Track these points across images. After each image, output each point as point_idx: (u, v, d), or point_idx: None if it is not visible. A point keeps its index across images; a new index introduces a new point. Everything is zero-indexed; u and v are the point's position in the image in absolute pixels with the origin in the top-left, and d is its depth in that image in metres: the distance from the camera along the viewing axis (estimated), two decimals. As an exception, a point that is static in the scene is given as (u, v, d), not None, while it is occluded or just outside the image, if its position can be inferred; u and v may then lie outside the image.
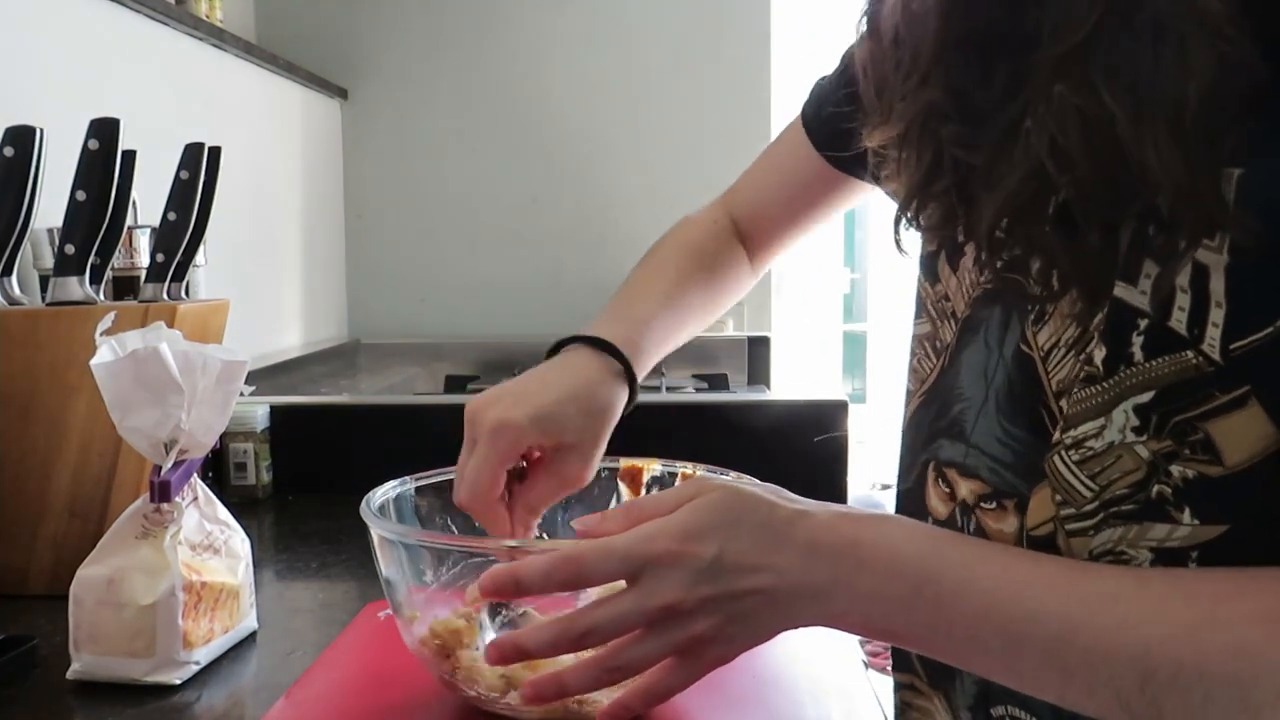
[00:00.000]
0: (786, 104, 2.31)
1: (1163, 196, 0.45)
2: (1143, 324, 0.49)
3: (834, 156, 0.80)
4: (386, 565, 0.65)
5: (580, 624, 0.54)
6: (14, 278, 0.93)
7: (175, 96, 1.65)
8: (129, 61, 1.54)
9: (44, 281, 1.08)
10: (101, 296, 0.96)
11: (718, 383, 2.03)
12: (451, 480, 0.72)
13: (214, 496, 0.76)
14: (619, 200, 2.40)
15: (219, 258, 1.57)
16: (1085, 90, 0.46)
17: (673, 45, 2.39)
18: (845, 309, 3.47)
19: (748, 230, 0.89)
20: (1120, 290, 0.50)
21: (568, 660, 0.59)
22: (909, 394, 0.66)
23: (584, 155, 2.42)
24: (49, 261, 1.12)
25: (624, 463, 0.78)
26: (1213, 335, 0.47)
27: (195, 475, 0.74)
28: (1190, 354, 0.48)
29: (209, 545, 0.74)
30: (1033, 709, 0.56)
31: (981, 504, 0.58)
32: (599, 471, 0.76)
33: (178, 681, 0.69)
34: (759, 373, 2.19)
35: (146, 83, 1.58)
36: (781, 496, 0.56)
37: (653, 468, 0.78)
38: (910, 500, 0.65)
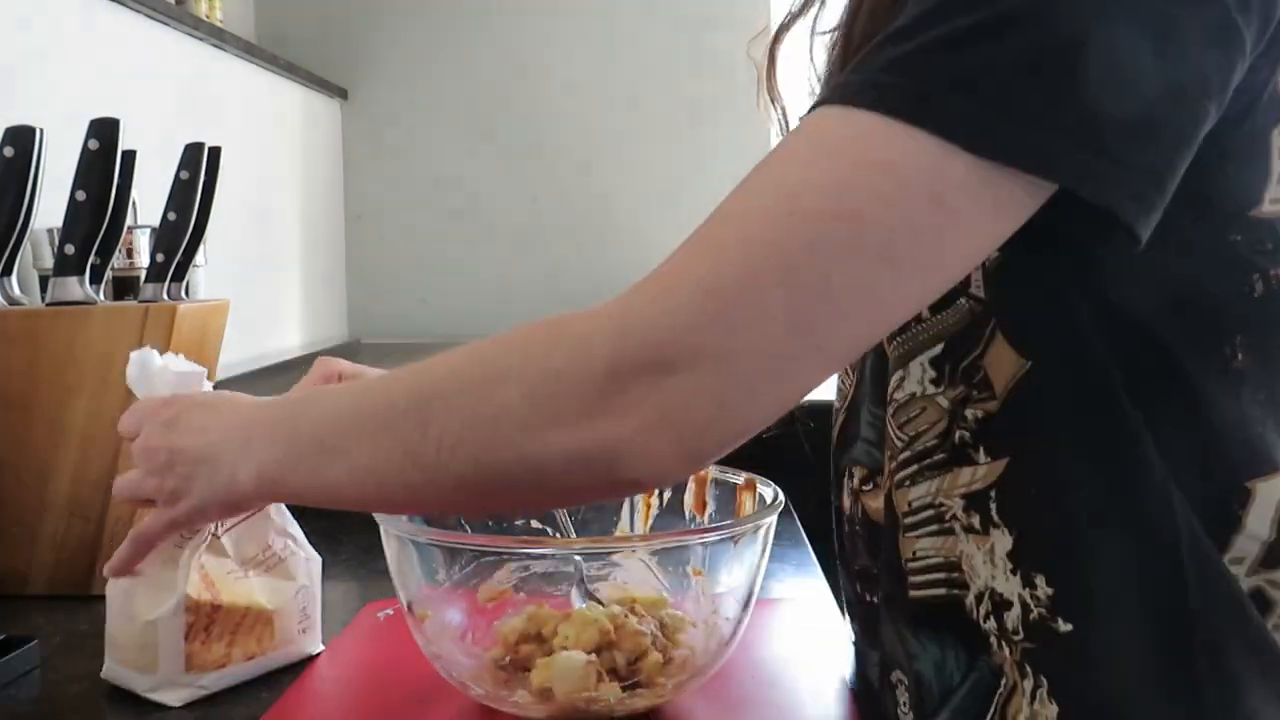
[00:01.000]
0: (786, 104, 2.31)
1: None
2: None
3: None
4: (399, 564, 0.65)
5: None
6: (14, 278, 0.93)
7: (175, 96, 1.65)
8: (129, 61, 1.54)
9: (44, 281, 1.08)
10: (101, 296, 0.96)
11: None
12: None
13: (287, 512, 0.73)
14: (619, 200, 2.40)
15: (219, 258, 1.57)
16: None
17: (672, 45, 2.39)
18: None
19: None
20: None
21: (573, 644, 0.62)
22: (835, 413, 0.69)
23: (584, 155, 2.42)
24: (49, 261, 1.12)
25: None
26: (977, 276, 0.52)
27: None
28: (963, 300, 0.53)
29: (262, 561, 0.70)
30: (905, 670, 0.60)
31: (863, 488, 0.63)
32: None
33: (177, 704, 0.66)
34: (759, 373, 2.19)
35: (146, 83, 1.58)
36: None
37: None
38: (839, 512, 0.68)
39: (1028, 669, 0.53)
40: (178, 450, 0.60)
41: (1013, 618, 0.53)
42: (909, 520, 0.57)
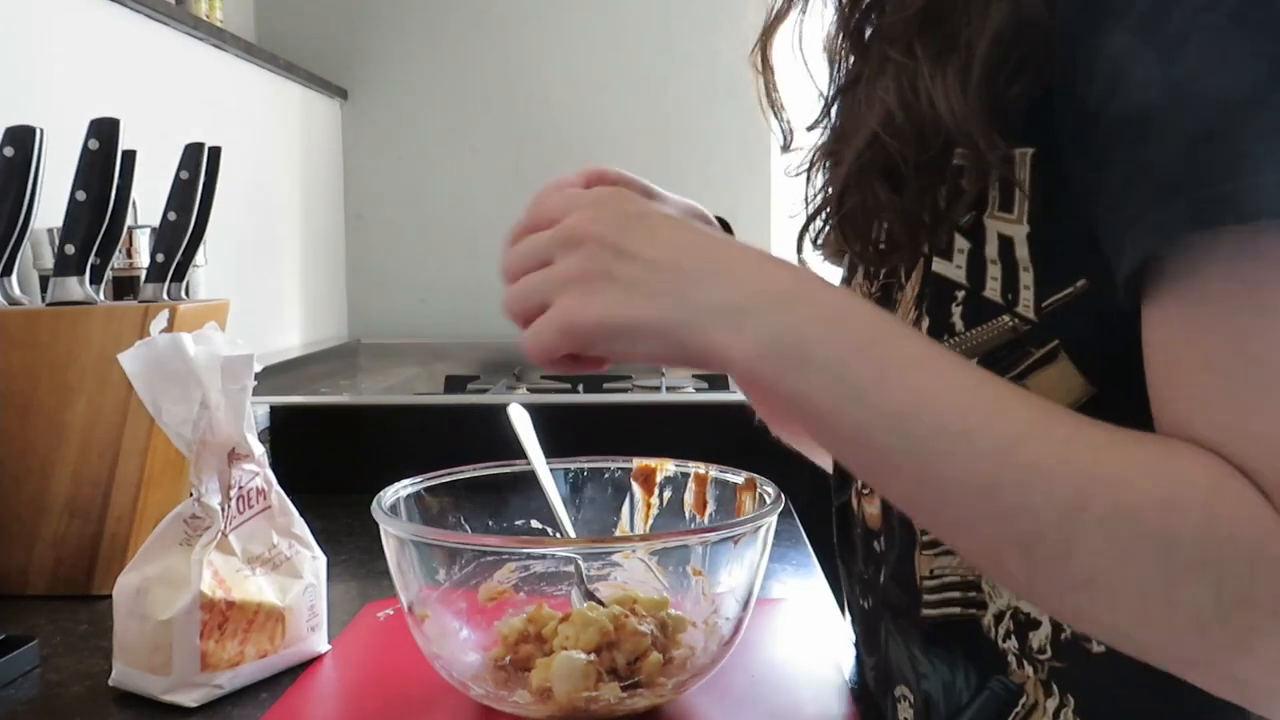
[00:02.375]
0: (790, 114, 2.31)
1: (961, 152, 0.50)
2: (960, 295, 0.53)
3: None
4: (399, 564, 0.65)
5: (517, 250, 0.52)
6: (14, 278, 0.93)
7: (175, 96, 1.65)
8: (129, 61, 1.54)
9: (44, 281, 1.08)
10: (101, 296, 0.96)
11: (718, 383, 2.03)
12: (460, 480, 0.73)
13: (294, 510, 0.73)
14: (619, 200, 2.39)
15: (219, 258, 1.57)
16: (904, 50, 0.51)
17: (672, 44, 2.39)
18: (845, 309, 3.47)
19: None
20: (938, 266, 0.54)
21: (573, 644, 0.63)
22: None
23: (584, 155, 2.41)
24: (49, 261, 1.12)
25: (638, 463, 0.79)
26: (1026, 298, 0.51)
27: (274, 483, 0.72)
28: (1007, 317, 0.52)
29: (269, 560, 0.70)
30: (912, 686, 0.59)
31: (863, 490, 0.63)
32: (612, 470, 0.77)
33: (193, 704, 0.65)
34: (759, 373, 2.18)
35: (146, 83, 1.57)
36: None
37: (666, 467, 0.78)
38: (843, 512, 0.67)
39: (1054, 688, 0.53)
40: (630, 253, 0.48)
41: (1040, 637, 0.53)
42: (927, 537, 0.56)
